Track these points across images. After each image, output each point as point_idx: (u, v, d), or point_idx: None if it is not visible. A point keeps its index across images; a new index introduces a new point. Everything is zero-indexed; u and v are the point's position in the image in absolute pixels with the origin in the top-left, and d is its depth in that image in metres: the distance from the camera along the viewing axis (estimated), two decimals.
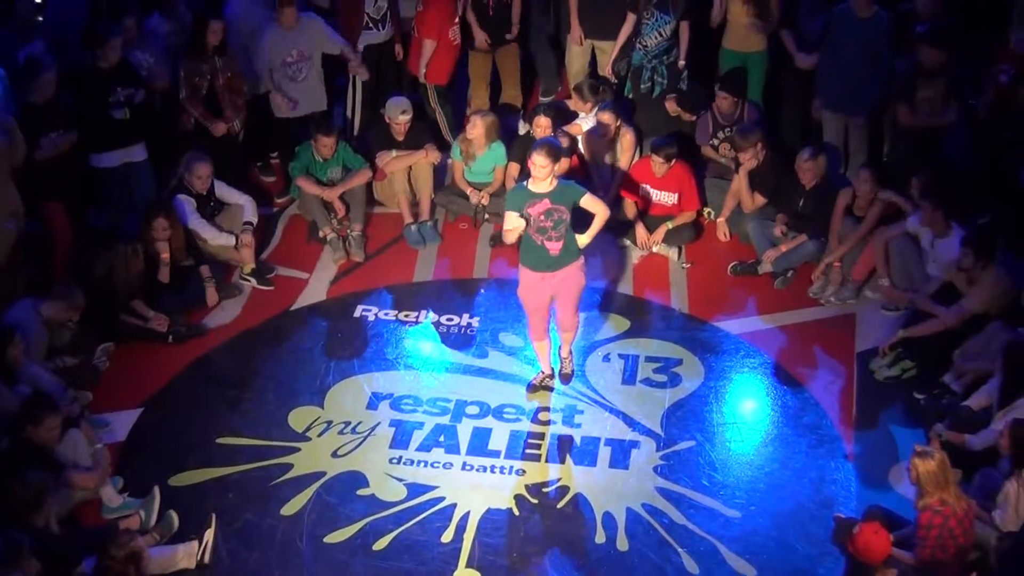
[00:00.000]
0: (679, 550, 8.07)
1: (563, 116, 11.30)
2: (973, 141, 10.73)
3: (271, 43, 11.05)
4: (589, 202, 8.70)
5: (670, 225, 10.68)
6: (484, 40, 11.79)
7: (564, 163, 10.39)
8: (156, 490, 8.34)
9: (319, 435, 8.98)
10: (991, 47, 11.22)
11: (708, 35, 11.59)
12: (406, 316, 10.21)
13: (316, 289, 10.56)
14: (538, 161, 8.42)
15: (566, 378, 9.34)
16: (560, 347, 9.30)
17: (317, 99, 11.43)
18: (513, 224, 8.62)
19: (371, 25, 11.58)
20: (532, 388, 9.37)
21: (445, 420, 9.13)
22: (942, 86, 10.36)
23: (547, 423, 9.11)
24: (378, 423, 9.09)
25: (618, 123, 10.92)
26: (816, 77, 11.11)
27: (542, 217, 8.58)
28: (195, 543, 7.93)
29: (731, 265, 10.66)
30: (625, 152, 11.01)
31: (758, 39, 11.29)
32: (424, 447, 8.89)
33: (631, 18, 11.38)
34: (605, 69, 11.72)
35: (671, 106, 11.33)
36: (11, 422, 8.22)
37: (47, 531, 7.54)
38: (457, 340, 9.92)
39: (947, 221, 9.63)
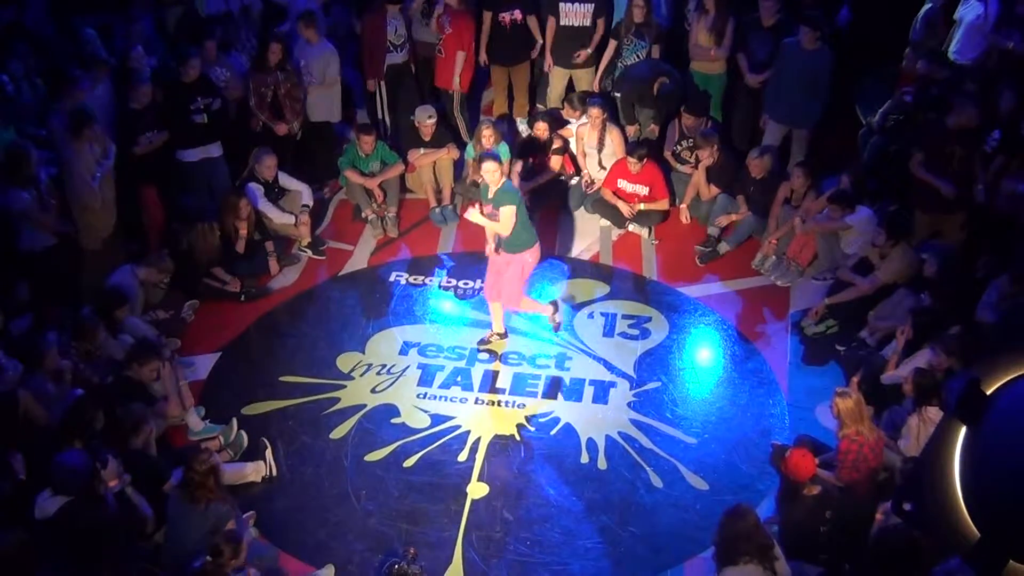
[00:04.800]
0: (647, 469, 8.11)
1: (557, 122, 11.24)
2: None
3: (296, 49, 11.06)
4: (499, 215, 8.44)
5: (643, 206, 10.65)
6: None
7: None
8: (234, 420, 8.39)
9: (361, 375, 9.00)
10: (893, 76, 11.17)
11: (675, 58, 11.52)
12: (430, 280, 10.19)
13: (359, 259, 10.53)
14: (488, 167, 8.37)
15: (480, 339, 9.30)
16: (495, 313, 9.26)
17: (322, 113, 11.30)
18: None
19: (392, 48, 11.49)
20: (482, 342, 9.33)
21: (461, 364, 9.13)
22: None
23: (543, 367, 9.10)
24: (408, 366, 9.10)
25: (604, 115, 10.85)
26: (764, 94, 11.01)
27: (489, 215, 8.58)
28: (261, 462, 7.98)
29: (698, 256, 10.45)
30: (616, 147, 10.95)
31: (718, 64, 11.22)
32: (445, 385, 8.90)
33: (612, 43, 11.33)
34: (592, 85, 11.65)
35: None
36: (116, 363, 8.27)
37: (145, 452, 7.59)
38: (471, 300, 9.90)
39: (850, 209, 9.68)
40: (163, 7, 11.37)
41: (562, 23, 11.42)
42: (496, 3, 11.51)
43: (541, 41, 11.68)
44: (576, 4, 11.31)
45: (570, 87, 11.78)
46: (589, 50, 11.45)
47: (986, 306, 8.23)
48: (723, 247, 10.49)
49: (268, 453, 8.02)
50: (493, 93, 12.26)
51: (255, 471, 7.94)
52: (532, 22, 11.59)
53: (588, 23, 11.37)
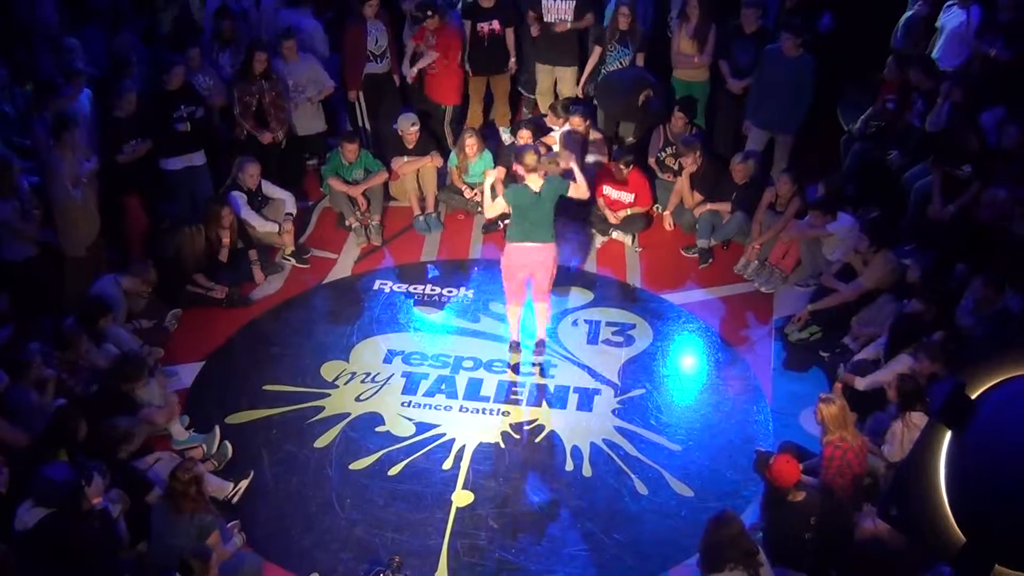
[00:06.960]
0: (632, 476, 8.09)
1: (541, 130, 11.23)
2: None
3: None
4: (572, 188, 8.70)
5: (629, 212, 10.66)
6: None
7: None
8: (216, 428, 8.35)
9: (345, 383, 8.96)
10: (875, 83, 11.21)
11: (657, 66, 11.52)
12: (415, 289, 10.15)
13: (343, 267, 10.49)
14: (528, 161, 8.57)
15: (540, 344, 9.17)
16: (536, 319, 9.19)
17: (309, 125, 11.30)
18: (499, 208, 8.90)
19: (372, 59, 11.46)
20: (512, 348, 9.25)
21: (446, 372, 9.09)
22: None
23: (527, 374, 9.07)
24: (392, 374, 9.06)
25: (587, 123, 10.89)
26: (746, 100, 11.01)
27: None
28: (233, 482, 7.88)
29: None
30: (601, 152, 10.96)
31: (701, 71, 11.24)
32: (429, 393, 8.86)
33: (597, 50, 11.34)
34: (574, 90, 11.65)
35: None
36: (101, 373, 8.21)
37: (130, 463, 7.54)
38: (455, 308, 9.87)
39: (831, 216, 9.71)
40: (155, 12, 11.30)
41: (545, 19, 11.43)
42: (475, 13, 11.51)
43: (514, 58, 11.71)
44: (557, 0, 11.31)
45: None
46: (567, 18, 11.36)
47: (964, 311, 8.25)
48: (711, 241, 10.54)
49: (244, 482, 7.91)
50: (470, 103, 12.24)
51: (235, 488, 7.87)
52: (509, 35, 11.59)
53: (569, 19, 11.37)
